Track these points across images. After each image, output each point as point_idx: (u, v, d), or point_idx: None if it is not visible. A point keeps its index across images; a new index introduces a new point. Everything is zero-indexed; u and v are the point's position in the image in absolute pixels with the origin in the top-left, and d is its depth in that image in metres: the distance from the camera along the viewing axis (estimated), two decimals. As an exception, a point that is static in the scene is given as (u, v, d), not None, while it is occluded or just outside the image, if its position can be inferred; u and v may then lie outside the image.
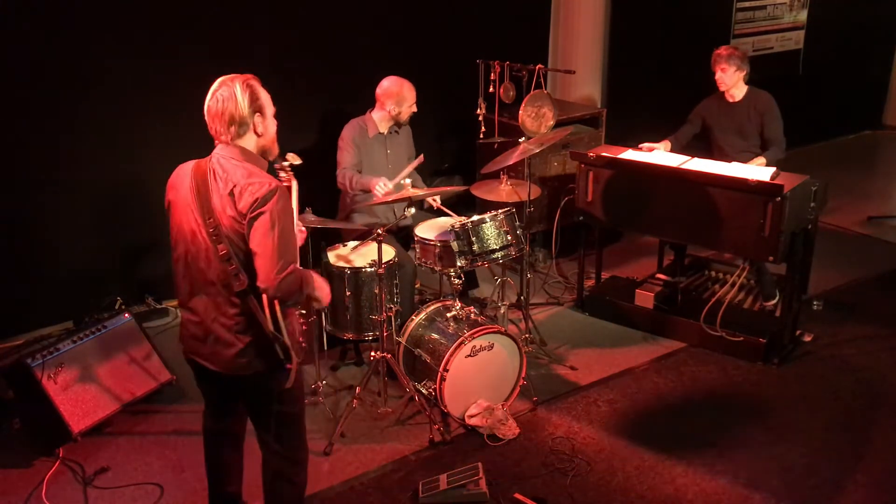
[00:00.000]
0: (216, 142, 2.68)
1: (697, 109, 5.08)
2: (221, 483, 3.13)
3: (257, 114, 2.64)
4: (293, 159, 3.09)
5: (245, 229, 2.56)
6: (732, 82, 4.81)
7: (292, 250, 2.61)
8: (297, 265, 2.61)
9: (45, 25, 4.35)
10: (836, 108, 8.66)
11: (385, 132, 4.63)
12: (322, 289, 2.79)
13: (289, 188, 2.90)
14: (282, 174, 3.17)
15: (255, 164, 2.64)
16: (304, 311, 2.94)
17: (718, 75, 4.84)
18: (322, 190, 4.43)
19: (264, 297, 2.59)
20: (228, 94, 2.59)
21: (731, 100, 4.89)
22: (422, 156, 4.41)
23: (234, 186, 2.56)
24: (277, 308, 2.63)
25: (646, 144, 4.87)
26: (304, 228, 3.18)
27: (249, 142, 2.67)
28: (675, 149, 4.95)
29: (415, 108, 4.62)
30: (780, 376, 4.34)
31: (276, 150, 2.77)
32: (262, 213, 2.52)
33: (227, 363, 2.71)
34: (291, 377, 2.68)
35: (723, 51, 4.82)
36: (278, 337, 2.64)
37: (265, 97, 2.68)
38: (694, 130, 5.07)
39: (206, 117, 2.65)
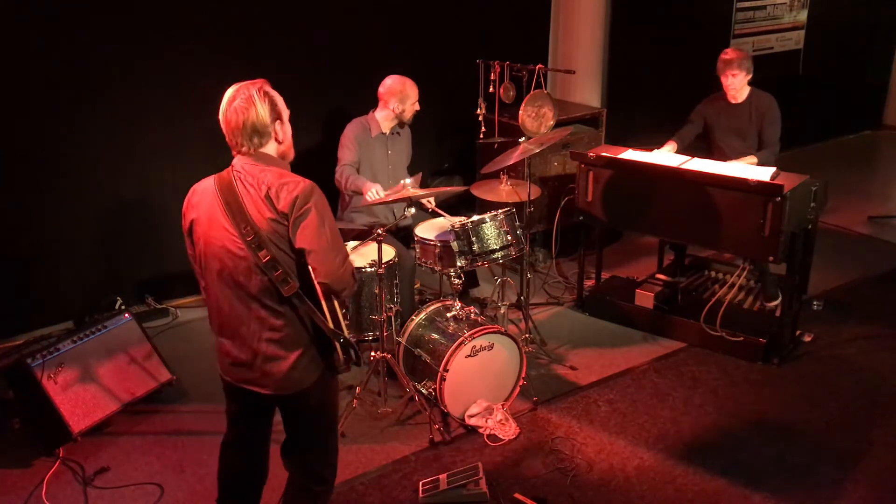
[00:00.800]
0: (234, 152, 2.60)
1: (699, 109, 5.05)
2: (240, 497, 3.02)
3: (277, 121, 2.57)
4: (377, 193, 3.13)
5: (289, 230, 2.49)
6: (741, 86, 4.76)
7: (342, 243, 2.64)
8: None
9: (48, 28, 4.35)
10: (836, 108, 8.66)
11: (387, 132, 4.64)
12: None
13: None
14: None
15: (279, 166, 2.59)
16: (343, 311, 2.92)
17: (729, 81, 4.75)
18: (322, 190, 4.42)
19: (320, 294, 2.54)
20: (247, 103, 2.50)
21: (733, 101, 4.86)
22: (420, 174, 4.38)
23: (269, 188, 2.49)
24: (337, 305, 2.62)
25: (656, 150, 4.85)
26: None
27: (270, 149, 2.59)
28: (679, 148, 4.94)
29: (418, 107, 4.62)
30: (780, 376, 4.34)
31: (293, 153, 2.70)
32: (308, 211, 2.49)
33: (280, 382, 2.62)
34: (357, 360, 2.70)
35: (731, 56, 4.72)
36: (338, 333, 2.59)
37: (281, 102, 2.61)
38: (696, 130, 5.04)
39: (222, 128, 2.56)
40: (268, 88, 2.57)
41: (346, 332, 2.63)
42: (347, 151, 4.50)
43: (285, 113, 2.62)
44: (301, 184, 2.52)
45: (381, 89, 4.58)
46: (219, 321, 2.67)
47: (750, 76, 4.77)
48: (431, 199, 4.46)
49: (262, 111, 2.52)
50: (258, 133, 2.54)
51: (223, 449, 2.94)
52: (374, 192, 4.21)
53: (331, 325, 2.58)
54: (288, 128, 2.64)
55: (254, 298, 2.57)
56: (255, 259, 2.51)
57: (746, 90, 4.84)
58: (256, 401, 2.72)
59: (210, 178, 2.62)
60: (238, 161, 2.58)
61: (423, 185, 4.76)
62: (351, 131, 4.55)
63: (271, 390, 2.65)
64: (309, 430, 2.80)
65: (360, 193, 4.34)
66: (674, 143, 4.95)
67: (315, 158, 4.66)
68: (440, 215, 4.30)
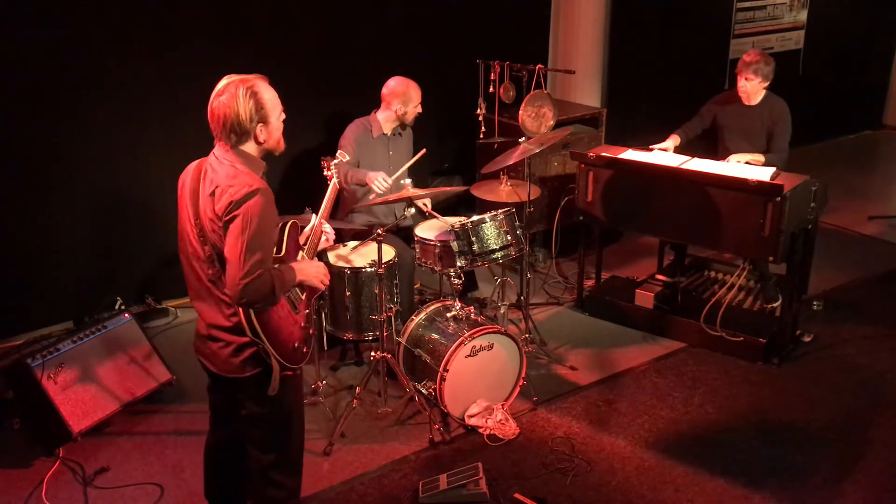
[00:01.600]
0: (215, 141, 2.62)
1: (710, 105, 4.98)
2: (218, 474, 3.09)
3: (260, 124, 2.54)
4: (342, 157, 3.16)
5: (221, 232, 2.49)
6: (755, 91, 4.70)
7: (263, 254, 2.48)
8: (267, 268, 2.49)
9: (45, 27, 4.35)
10: (836, 108, 8.65)
11: (388, 133, 4.63)
12: (314, 276, 2.75)
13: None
14: (326, 173, 3.21)
15: (248, 165, 2.55)
16: (306, 312, 2.91)
17: (742, 84, 4.69)
18: (322, 190, 4.41)
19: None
20: (230, 100, 2.48)
21: (746, 102, 4.78)
22: (424, 150, 4.40)
23: (217, 187, 2.48)
24: (252, 314, 2.56)
25: (656, 146, 4.82)
26: (328, 230, 3.11)
27: (250, 148, 2.58)
28: (683, 141, 4.90)
29: (420, 109, 4.62)
30: (780, 376, 4.34)
31: (281, 146, 2.67)
32: (235, 217, 2.44)
33: (223, 363, 2.69)
34: (273, 383, 2.64)
35: (751, 57, 4.63)
36: (257, 342, 2.60)
37: (271, 102, 2.56)
38: (703, 126, 4.99)
39: (207, 116, 2.58)
40: (257, 88, 2.52)
41: (265, 341, 2.60)
42: (345, 153, 4.49)
43: (273, 113, 2.58)
44: (243, 189, 2.44)
45: (384, 90, 4.57)
46: (190, 293, 2.74)
47: (767, 83, 4.68)
48: (427, 202, 4.43)
49: (244, 113, 2.50)
50: (236, 132, 2.53)
51: (206, 445, 3.07)
52: (380, 180, 4.21)
53: (248, 332, 2.58)
54: (274, 128, 2.60)
55: (205, 284, 2.63)
56: (202, 251, 2.57)
57: (762, 94, 4.75)
58: (214, 378, 2.80)
59: (198, 161, 2.66)
60: (215, 150, 2.61)
61: (422, 186, 4.77)
62: (351, 133, 4.54)
63: (217, 370, 2.72)
64: (261, 428, 2.78)
65: (364, 184, 4.33)
66: (677, 137, 4.91)
67: (314, 159, 4.66)
68: (435, 218, 4.29)
